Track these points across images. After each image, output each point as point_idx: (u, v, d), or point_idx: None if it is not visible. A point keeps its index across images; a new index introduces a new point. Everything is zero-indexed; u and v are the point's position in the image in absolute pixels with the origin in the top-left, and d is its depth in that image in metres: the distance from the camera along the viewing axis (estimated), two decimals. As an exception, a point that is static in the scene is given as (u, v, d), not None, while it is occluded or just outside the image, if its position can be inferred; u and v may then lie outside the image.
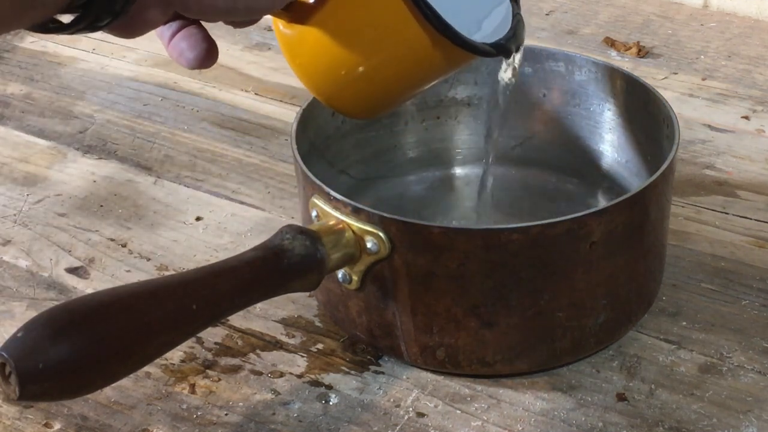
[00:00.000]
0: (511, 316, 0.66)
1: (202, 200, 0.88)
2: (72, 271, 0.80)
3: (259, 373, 0.71)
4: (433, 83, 0.68)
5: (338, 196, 0.66)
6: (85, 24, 0.48)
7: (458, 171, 0.85)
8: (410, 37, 0.58)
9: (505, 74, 0.70)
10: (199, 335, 0.72)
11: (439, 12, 0.57)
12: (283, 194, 0.88)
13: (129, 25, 0.51)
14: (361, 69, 0.60)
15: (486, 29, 0.63)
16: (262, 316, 0.75)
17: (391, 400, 0.68)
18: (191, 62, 0.57)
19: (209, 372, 0.71)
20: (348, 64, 0.60)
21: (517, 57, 0.67)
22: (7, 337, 0.54)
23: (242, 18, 0.55)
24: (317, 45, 0.60)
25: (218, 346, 0.73)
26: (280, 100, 1.01)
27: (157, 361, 0.69)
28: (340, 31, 0.59)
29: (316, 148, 0.77)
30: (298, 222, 0.74)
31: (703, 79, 1.03)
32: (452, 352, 0.68)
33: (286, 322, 0.75)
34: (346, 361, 0.72)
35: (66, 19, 0.49)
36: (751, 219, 0.84)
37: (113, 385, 0.65)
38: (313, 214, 0.68)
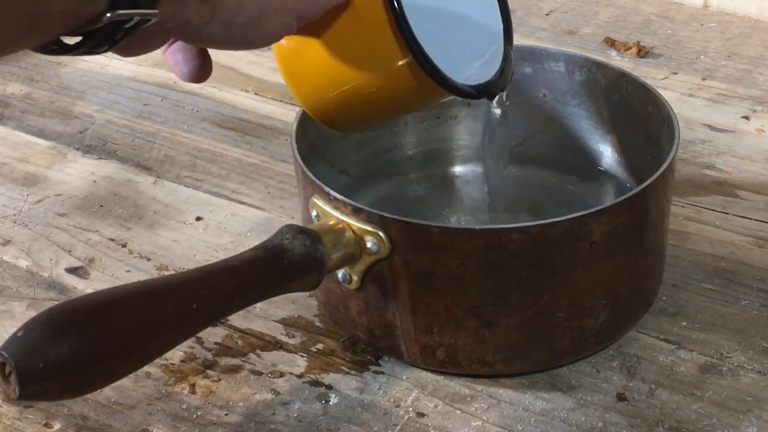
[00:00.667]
0: (511, 316, 0.67)
1: (202, 200, 0.88)
2: (72, 271, 0.80)
3: (259, 373, 0.71)
4: (420, 110, 0.69)
5: (338, 196, 0.66)
6: (85, 49, 0.49)
7: (458, 170, 0.85)
8: (399, 72, 0.60)
9: (496, 111, 0.71)
10: (199, 335, 0.72)
11: (426, 51, 0.59)
12: (283, 194, 0.88)
13: (128, 49, 0.53)
14: (348, 92, 0.62)
15: (474, 68, 0.65)
16: (262, 316, 0.75)
17: (391, 400, 0.68)
18: (185, 75, 0.59)
19: (209, 372, 0.71)
20: (337, 85, 0.62)
21: (500, 99, 0.69)
22: (7, 336, 0.54)
23: (240, 50, 0.57)
24: (311, 63, 0.62)
25: (218, 346, 0.73)
26: (280, 100, 1.01)
27: (157, 361, 0.69)
28: (334, 55, 0.61)
29: (316, 148, 0.77)
30: (298, 222, 0.74)
31: (703, 79, 1.03)
32: (452, 352, 0.68)
33: (286, 322, 0.75)
34: (346, 361, 0.72)
35: (69, 40, 0.50)
36: (751, 219, 0.84)
37: (113, 385, 0.65)
38: (313, 213, 0.68)
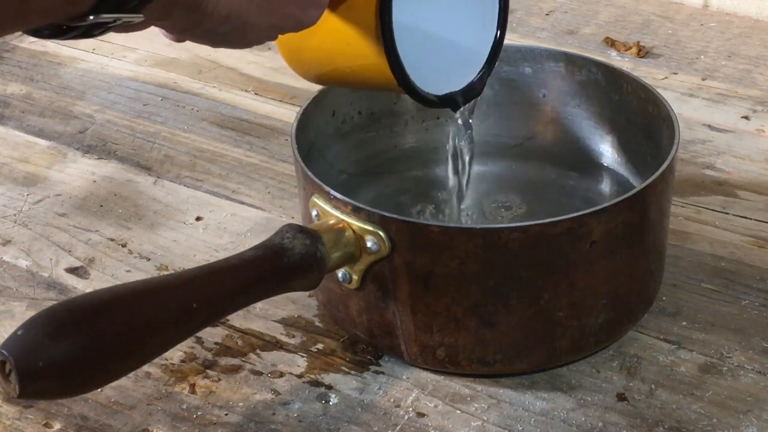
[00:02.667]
0: (511, 315, 0.66)
1: (202, 200, 0.88)
2: (72, 271, 0.80)
3: (259, 373, 0.71)
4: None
5: (338, 195, 0.66)
6: (66, 38, 0.50)
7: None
8: (372, 68, 0.64)
9: (458, 121, 0.74)
10: (199, 335, 0.72)
11: (402, 55, 0.63)
12: (283, 194, 0.88)
13: (115, 31, 0.53)
14: (326, 66, 0.67)
15: (449, 78, 0.69)
16: (262, 316, 0.75)
17: (391, 400, 0.68)
18: (165, 34, 0.59)
19: (209, 372, 0.71)
20: (315, 56, 0.66)
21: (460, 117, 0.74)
22: (7, 336, 0.54)
23: (220, 47, 0.58)
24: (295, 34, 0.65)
25: (218, 346, 0.73)
26: (280, 100, 1.01)
27: (157, 361, 0.69)
28: (318, 34, 0.63)
29: (316, 148, 0.77)
30: (298, 222, 0.74)
31: (703, 79, 1.03)
32: (452, 352, 0.68)
33: (286, 322, 0.75)
34: (346, 361, 0.71)
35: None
36: (751, 219, 0.84)
37: (113, 384, 0.66)
38: (314, 213, 0.68)
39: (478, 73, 0.70)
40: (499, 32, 0.70)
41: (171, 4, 0.50)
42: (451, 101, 0.69)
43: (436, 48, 0.69)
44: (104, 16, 0.48)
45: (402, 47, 0.63)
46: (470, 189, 0.84)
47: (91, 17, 0.47)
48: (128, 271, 0.80)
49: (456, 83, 0.70)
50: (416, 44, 0.65)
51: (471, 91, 0.70)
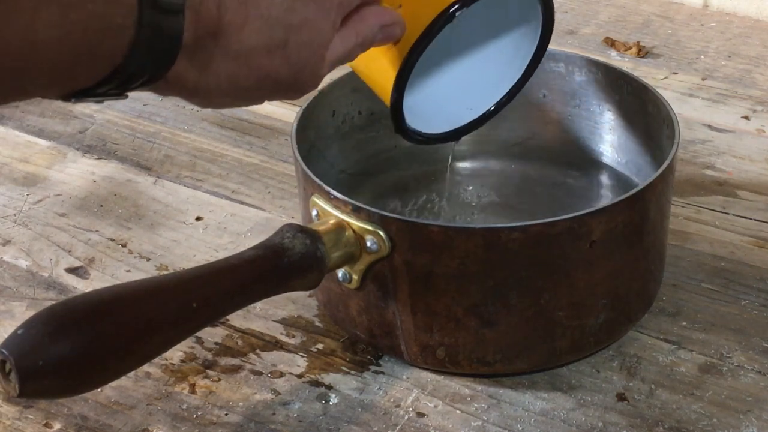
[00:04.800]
0: (511, 315, 0.66)
1: (202, 200, 0.88)
2: (72, 271, 0.80)
3: (259, 373, 0.71)
4: None
5: (338, 195, 0.66)
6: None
7: (458, 168, 0.85)
8: (382, 91, 0.66)
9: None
10: (199, 335, 0.72)
11: (404, 105, 0.65)
12: (283, 194, 0.88)
13: None
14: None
15: (449, 117, 0.71)
16: (262, 316, 0.75)
17: (391, 400, 0.68)
18: None
19: (209, 372, 0.71)
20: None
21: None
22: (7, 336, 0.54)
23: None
24: None
25: (218, 346, 0.73)
26: (280, 100, 1.01)
27: (157, 361, 0.69)
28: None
29: (316, 148, 0.77)
30: (298, 222, 0.74)
31: (703, 79, 1.03)
32: (452, 352, 0.68)
33: (286, 322, 0.75)
34: (346, 361, 0.71)
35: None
36: (751, 219, 0.84)
37: (113, 384, 0.66)
38: (314, 213, 0.68)
39: (470, 122, 0.71)
40: (493, 107, 0.72)
41: (170, 90, 0.53)
42: (443, 139, 0.71)
43: (443, 92, 0.71)
44: (87, 99, 0.51)
45: (413, 89, 0.64)
46: (469, 187, 0.84)
47: (72, 100, 0.50)
48: (128, 271, 0.80)
49: (448, 123, 0.71)
50: (428, 86, 0.68)
51: (452, 135, 0.71)
